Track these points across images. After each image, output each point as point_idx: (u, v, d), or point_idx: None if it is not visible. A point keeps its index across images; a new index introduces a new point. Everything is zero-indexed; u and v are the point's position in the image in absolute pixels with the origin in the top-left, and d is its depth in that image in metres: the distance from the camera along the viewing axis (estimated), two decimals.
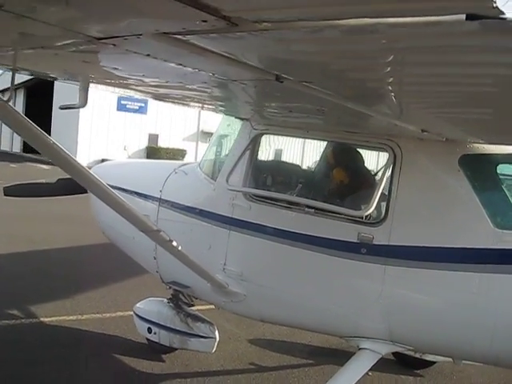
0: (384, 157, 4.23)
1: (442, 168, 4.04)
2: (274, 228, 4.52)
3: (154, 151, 40.12)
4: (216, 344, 5.97)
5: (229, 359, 6.49)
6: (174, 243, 4.12)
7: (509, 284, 3.81)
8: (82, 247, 12.02)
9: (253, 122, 4.67)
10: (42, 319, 7.23)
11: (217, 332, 5.99)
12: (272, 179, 4.81)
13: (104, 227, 6.24)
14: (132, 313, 7.36)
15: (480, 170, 4.02)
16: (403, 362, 6.79)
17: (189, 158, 42.55)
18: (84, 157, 38.50)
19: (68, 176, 6.87)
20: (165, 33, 1.62)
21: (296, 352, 7.01)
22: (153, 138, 41.06)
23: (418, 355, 6.38)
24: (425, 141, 3.98)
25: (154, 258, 5.51)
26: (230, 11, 1.37)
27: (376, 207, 4.02)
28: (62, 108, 3.79)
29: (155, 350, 6.37)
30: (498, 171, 4.07)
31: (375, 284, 4.18)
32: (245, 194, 4.67)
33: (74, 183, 6.61)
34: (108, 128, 39.02)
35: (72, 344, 6.49)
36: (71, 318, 7.41)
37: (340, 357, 7.03)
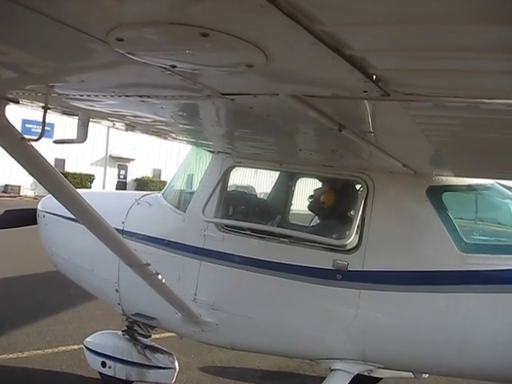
0: (358, 188, 4.52)
1: (411, 198, 4.39)
2: (249, 258, 4.65)
3: None
4: (176, 374, 5.94)
5: None
6: (159, 277, 4.12)
7: (473, 302, 4.18)
8: (7, 280, 11.38)
9: (225, 155, 4.80)
10: None
11: (176, 362, 5.97)
12: (246, 210, 4.95)
13: (57, 260, 6.03)
14: (81, 346, 7.16)
15: (445, 199, 4.41)
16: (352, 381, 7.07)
17: (97, 183, 41.48)
18: None
19: (14, 208, 6.69)
20: (307, 95, 1.76)
21: (249, 377, 7.10)
22: (59, 162, 39.49)
23: (366, 373, 6.69)
24: (395, 174, 4.32)
25: (116, 291, 5.41)
26: (392, 87, 1.54)
27: (355, 235, 4.28)
28: (57, 142, 3.71)
29: None
30: (461, 200, 4.49)
31: (350, 308, 4.41)
32: (217, 224, 4.76)
33: (21, 215, 6.41)
34: None
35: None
36: (11, 356, 7.02)
37: (290, 378, 7.28)
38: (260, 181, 5.33)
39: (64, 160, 39.98)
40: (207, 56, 1.54)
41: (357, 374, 6.68)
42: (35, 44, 1.65)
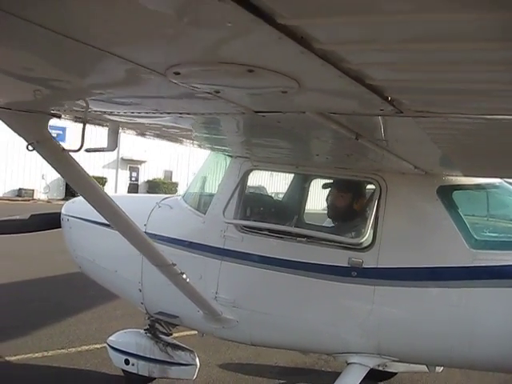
0: (371, 189, 4.72)
1: (422, 198, 4.59)
2: (267, 257, 4.85)
3: None
4: (197, 370, 6.16)
5: None
6: (184, 276, 4.34)
7: (484, 296, 4.37)
8: (23, 283, 11.68)
9: (243, 159, 5.01)
10: (7, 358, 7.07)
11: (197, 359, 6.19)
12: (264, 212, 5.16)
13: (81, 262, 6.28)
14: (103, 345, 7.44)
15: (455, 198, 4.60)
16: (369, 377, 7.26)
17: (109, 186, 41.91)
18: None
19: (40, 212, 6.95)
20: (331, 113, 1.99)
21: (267, 373, 7.31)
22: None
23: (380, 368, 6.88)
24: (406, 175, 4.52)
25: (140, 291, 5.64)
26: (405, 106, 1.77)
27: (366, 233, 4.48)
28: (88, 151, 3.94)
29: (132, 381, 6.43)
30: (471, 199, 4.68)
31: (365, 303, 4.61)
32: (236, 225, 4.98)
33: (46, 219, 6.67)
34: (25, 156, 37.58)
35: (47, 382, 6.42)
36: (37, 355, 7.28)
37: (307, 374, 7.47)
38: (276, 183, 5.53)
39: None
40: (250, 85, 1.76)
41: (373, 369, 6.97)
42: (93, 74, 1.88)
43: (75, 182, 3.61)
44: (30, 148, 3.07)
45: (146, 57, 1.54)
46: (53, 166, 3.41)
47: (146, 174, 45.32)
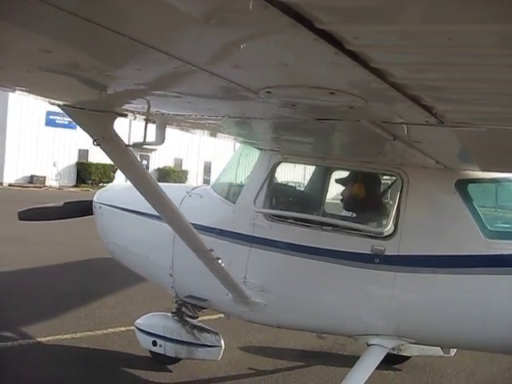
0: (394, 181, 5.03)
1: (441, 190, 4.88)
2: (294, 244, 5.15)
3: (84, 167, 39.54)
4: (222, 352, 6.51)
5: (229, 366, 7.00)
6: (220, 261, 4.67)
7: (497, 282, 4.67)
8: (42, 268, 12.06)
9: (273, 152, 5.31)
10: (38, 339, 7.43)
11: (222, 341, 6.53)
12: (292, 201, 5.46)
13: (113, 248, 6.60)
14: (128, 328, 7.83)
15: (471, 191, 4.89)
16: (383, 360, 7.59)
17: (120, 173, 42.29)
18: (11, 173, 37.30)
19: (72, 199, 7.28)
20: (382, 121, 2.31)
21: (286, 356, 7.64)
22: (83, 153, 40.39)
23: (395, 352, 7.21)
24: (427, 169, 4.81)
25: (170, 275, 5.96)
26: (446, 119, 2.08)
27: (389, 223, 4.79)
28: (135, 146, 4.24)
29: (160, 362, 6.79)
30: (486, 192, 4.97)
31: (387, 288, 4.92)
32: (265, 214, 5.28)
33: (79, 206, 7.00)
34: (36, 143, 38.05)
35: (79, 362, 6.78)
36: (66, 337, 7.63)
37: (324, 357, 7.81)
38: (302, 174, 5.83)
39: (87, 150, 40.76)
40: (326, 101, 2.06)
41: (388, 353, 7.30)
42: (191, 87, 2.19)
43: (133, 176, 3.92)
44: (96, 143, 3.37)
45: (245, 78, 1.84)
46: (114, 161, 3.72)
47: (156, 162, 45.66)
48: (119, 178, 41.52)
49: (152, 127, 4.15)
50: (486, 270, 4.68)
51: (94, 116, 3.25)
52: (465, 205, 4.79)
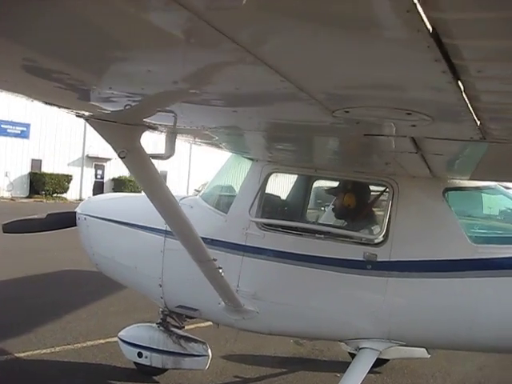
0: (384, 190, 5.23)
1: (430, 198, 5.12)
2: (288, 252, 5.28)
3: (37, 177, 38.51)
4: (209, 361, 6.55)
5: (215, 375, 7.04)
6: (220, 270, 4.73)
7: (483, 284, 4.93)
8: (14, 281, 11.73)
9: (265, 162, 5.43)
10: (16, 355, 7.26)
11: (209, 350, 6.57)
12: (285, 211, 5.58)
13: (99, 259, 6.55)
14: (107, 340, 7.78)
15: (458, 199, 5.15)
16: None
17: (75, 184, 41.45)
18: None
19: (56, 211, 7.18)
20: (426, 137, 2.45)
21: (268, 363, 7.74)
22: (36, 163, 39.35)
23: None
24: (417, 178, 5.03)
25: (160, 286, 5.96)
26: (490, 137, 2.24)
27: (382, 230, 4.99)
28: None
29: (145, 373, 6.76)
30: (471, 199, 5.24)
31: (379, 293, 5.10)
32: (258, 223, 5.39)
33: (62, 218, 6.91)
34: None
35: (65, 377, 6.68)
36: (45, 351, 7.49)
37: (305, 363, 7.95)
38: (296, 185, 5.97)
39: (41, 161, 39.80)
40: (396, 121, 2.18)
41: (353, 354, 7.50)
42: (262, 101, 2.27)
43: (152, 189, 3.95)
44: (121, 156, 3.38)
45: (325, 97, 1.94)
46: (136, 174, 3.74)
47: (111, 172, 44.92)
48: (72, 188, 40.70)
49: (161, 139, 4.18)
50: (472, 273, 4.93)
51: (123, 128, 3.27)
52: (452, 212, 5.04)
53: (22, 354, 7.29)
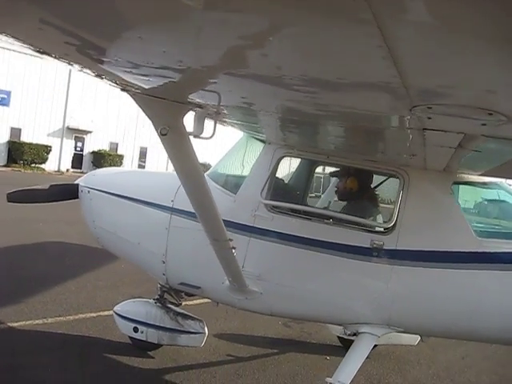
0: (395, 180, 5.32)
1: (438, 191, 5.23)
2: (296, 236, 5.34)
3: (16, 146, 37.86)
4: (205, 339, 6.63)
5: (208, 353, 7.11)
6: (233, 251, 4.78)
7: (486, 278, 5.08)
8: (3, 250, 11.62)
9: (277, 145, 5.46)
10: (9, 324, 7.23)
11: (206, 328, 6.65)
12: (295, 195, 5.63)
13: (101, 233, 6.52)
14: (99, 314, 7.81)
15: (465, 193, 5.27)
16: (349, 347, 7.92)
17: (53, 155, 40.87)
18: None
19: (60, 182, 7.11)
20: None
21: (259, 343, 7.86)
22: (15, 132, 38.67)
23: None
24: (428, 170, 5.13)
25: (163, 262, 5.98)
26: None
27: (391, 219, 5.09)
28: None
29: (140, 348, 6.81)
30: (477, 194, 5.37)
31: (383, 280, 5.21)
32: (267, 206, 5.44)
33: (66, 189, 6.85)
34: None
35: (59, 348, 6.67)
36: (38, 322, 7.48)
37: (295, 345, 8.09)
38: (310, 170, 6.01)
39: (20, 129, 39.10)
40: (470, 119, 2.22)
41: (351, 340, 7.67)
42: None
43: (185, 168, 3.95)
44: (164, 132, 3.37)
45: (418, 93, 1.97)
46: (174, 153, 3.73)
47: (91, 145, 44.42)
48: (51, 160, 40.00)
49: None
50: (476, 266, 5.07)
51: (167, 105, 3.24)
52: (459, 205, 5.17)
53: (15, 324, 7.27)
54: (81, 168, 43.02)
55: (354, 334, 7.61)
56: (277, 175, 5.60)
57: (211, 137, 3.65)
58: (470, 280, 5.09)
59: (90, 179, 6.69)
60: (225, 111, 3.95)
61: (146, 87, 2.98)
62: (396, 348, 8.18)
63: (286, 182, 5.92)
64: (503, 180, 5.52)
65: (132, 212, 6.19)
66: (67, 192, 6.73)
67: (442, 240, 5.15)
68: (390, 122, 2.78)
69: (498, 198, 5.57)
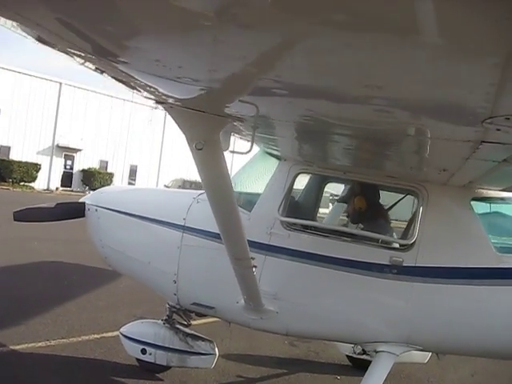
0: (414, 197, 5.27)
1: (457, 207, 5.17)
2: (313, 253, 5.25)
3: (5, 164, 37.50)
4: (216, 360, 6.48)
5: (217, 374, 6.95)
6: (254, 269, 4.67)
7: (506, 294, 5.01)
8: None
9: (292, 161, 5.39)
10: (11, 347, 7.03)
11: (216, 349, 6.50)
12: (312, 212, 5.54)
13: (109, 252, 6.37)
14: (102, 335, 7.62)
15: (484, 209, 5.22)
16: (358, 366, 7.83)
17: (43, 173, 40.53)
18: None
19: (64, 201, 6.97)
20: None
21: (267, 363, 7.71)
22: (4, 150, 38.37)
23: (364, 356, 7.48)
24: (447, 186, 5.08)
25: (174, 282, 5.85)
26: None
27: (411, 236, 5.02)
28: None
29: (148, 370, 6.63)
30: (496, 209, 5.33)
31: (402, 298, 5.13)
32: (283, 223, 5.34)
33: (72, 207, 6.71)
34: None
35: (65, 371, 6.48)
36: (40, 344, 7.27)
37: (303, 365, 7.95)
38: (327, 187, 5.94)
39: (9, 147, 38.79)
40: None
41: (358, 358, 7.56)
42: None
43: (216, 185, 3.86)
44: (199, 147, 3.27)
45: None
46: (206, 169, 3.63)
47: (81, 163, 44.16)
48: (40, 178, 39.63)
49: None
50: (496, 282, 5.01)
51: (203, 118, 3.14)
52: (479, 221, 5.11)
53: (17, 347, 7.06)
54: (70, 186, 42.69)
55: (364, 353, 7.63)
56: (292, 192, 5.52)
57: (248, 151, 3.56)
58: (491, 296, 5.02)
59: (98, 197, 6.57)
60: (262, 125, 3.86)
61: (183, 98, 2.90)
62: (404, 367, 8.05)
63: (302, 199, 5.84)
64: None
65: (142, 230, 6.06)
66: (73, 211, 6.59)
67: (462, 256, 5.08)
68: (448, 135, 2.73)
69: None
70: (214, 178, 3.82)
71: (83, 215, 6.53)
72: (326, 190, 6.07)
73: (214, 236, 5.64)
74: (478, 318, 5.04)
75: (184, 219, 5.82)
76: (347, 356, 7.93)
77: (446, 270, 5.06)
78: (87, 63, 2.37)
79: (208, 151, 3.41)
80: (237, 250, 4.59)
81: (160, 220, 5.95)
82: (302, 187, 5.84)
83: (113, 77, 2.68)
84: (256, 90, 2.66)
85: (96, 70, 2.61)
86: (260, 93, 2.70)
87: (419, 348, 5.42)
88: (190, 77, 2.46)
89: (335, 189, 6.20)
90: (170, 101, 3.02)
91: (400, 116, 2.51)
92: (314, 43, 1.76)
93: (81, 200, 6.80)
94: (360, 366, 7.84)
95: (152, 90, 2.79)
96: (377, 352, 5.37)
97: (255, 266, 4.71)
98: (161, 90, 2.78)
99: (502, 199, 5.43)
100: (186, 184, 40.62)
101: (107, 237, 6.31)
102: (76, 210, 6.56)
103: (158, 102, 3.14)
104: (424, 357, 7.23)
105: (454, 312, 5.09)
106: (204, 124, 3.27)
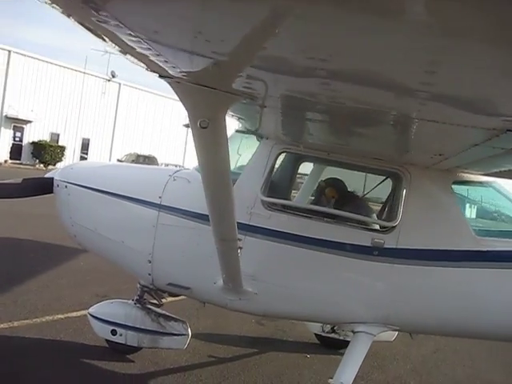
0: (397, 179, 5.25)
1: (439, 190, 5.19)
2: (294, 234, 5.18)
3: None
4: (188, 340, 6.37)
5: (189, 354, 6.83)
6: (239, 250, 4.56)
7: (484, 275, 5.10)
8: None
9: (274, 140, 5.26)
10: None
11: (189, 329, 6.39)
12: (295, 193, 5.45)
13: (79, 230, 6.11)
14: (66, 315, 7.41)
15: (465, 192, 5.26)
16: (327, 345, 7.91)
17: None
18: None
19: (32, 176, 6.62)
20: None
21: (236, 342, 7.66)
22: None
23: (341, 337, 7.56)
24: (429, 169, 5.08)
25: (149, 262, 5.67)
26: None
27: (393, 218, 5.02)
28: (188, 126, 3.94)
29: (118, 351, 6.47)
30: (476, 193, 5.38)
31: (383, 279, 5.14)
32: (264, 203, 5.24)
33: (39, 183, 6.39)
34: None
35: (28, 354, 6.22)
36: (3, 326, 6.97)
37: (272, 343, 7.95)
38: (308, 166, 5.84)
39: None
40: None
41: (335, 339, 7.64)
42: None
43: (216, 166, 3.69)
44: (204, 125, 3.09)
45: None
46: (208, 147, 3.46)
47: (31, 135, 42.61)
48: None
49: None
50: (474, 264, 5.08)
51: (209, 94, 2.94)
52: (458, 204, 5.15)
53: None
54: (20, 159, 41.22)
55: (333, 332, 7.70)
56: (276, 171, 5.41)
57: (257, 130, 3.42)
58: (468, 278, 5.09)
59: (68, 173, 6.27)
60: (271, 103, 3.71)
61: (192, 72, 2.71)
62: (372, 344, 8.18)
63: (285, 179, 5.73)
64: (497, 179, 5.54)
65: (115, 208, 5.84)
66: (41, 186, 6.29)
67: (442, 239, 5.12)
68: (471, 123, 2.67)
69: (494, 197, 5.61)
70: (214, 157, 3.66)
71: (51, 191, 6.24)
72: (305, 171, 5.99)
73: (192, 215, 5.51)
74: (456, 300, 5.12)
75: (160, 197, 5.63)
76: (316, 334, 7.98)
77: (426, 252, 5.09)
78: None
79: (212, 130, 3.24)
80: (225, 231, 4.46)
81: (134, 198, 5.74)
82: (284, 167, 5.72)
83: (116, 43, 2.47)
84: (266, 63, 2.52)
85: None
86: (270, 68, 2.57)
87: (396, 328, 5.49)
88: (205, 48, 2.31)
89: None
90: (178, 75, 2.82)
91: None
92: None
93: (48, 175, 6.48)
94: (329, 344, 7.94)
95: (162, 63, 2.60)
96: (355, 332, 5.39)
97: (240, 248, 4.60)
98: (172, 63, 2.58)
99: (481, 183, 5.49)
100: (139, 159, 39.90)
101: (78, 214, 6.06)
102: (43, 186, 6.26)
103: (162, 77, 2.94)
104: (391, 335, 7.33)
105: (432, 293, 5.15)
106: (211, 101, 3.09)
